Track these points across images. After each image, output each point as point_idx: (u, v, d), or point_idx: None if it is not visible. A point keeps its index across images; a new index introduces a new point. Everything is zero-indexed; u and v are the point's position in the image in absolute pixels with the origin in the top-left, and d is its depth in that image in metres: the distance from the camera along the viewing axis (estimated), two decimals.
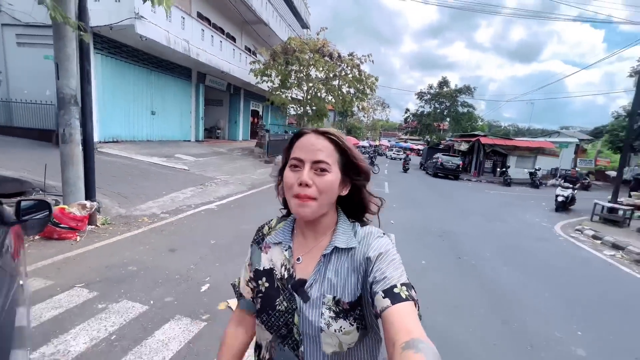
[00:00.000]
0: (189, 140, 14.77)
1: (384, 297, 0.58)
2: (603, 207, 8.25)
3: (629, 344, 2.74)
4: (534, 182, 16.42)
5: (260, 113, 23.05)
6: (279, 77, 15.21)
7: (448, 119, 33.08)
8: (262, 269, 0.76)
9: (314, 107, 16.12)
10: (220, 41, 13.62)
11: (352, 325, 0.65)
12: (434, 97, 31.89)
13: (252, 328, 0.80)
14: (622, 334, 2.90)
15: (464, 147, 19.59)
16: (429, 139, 31.79)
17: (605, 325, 3.04)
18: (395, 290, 0.59)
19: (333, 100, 16.39)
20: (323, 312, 0.66)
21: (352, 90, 16.56)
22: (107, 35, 9.60)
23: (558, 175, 16.59)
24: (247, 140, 20.01)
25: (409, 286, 0.61)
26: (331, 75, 15.58)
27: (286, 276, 0.71)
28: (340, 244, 0.69)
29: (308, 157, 0.66)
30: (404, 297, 0.58)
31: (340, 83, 16.26)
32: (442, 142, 26.54)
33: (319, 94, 16.07)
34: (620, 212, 8.01)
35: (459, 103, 31.72)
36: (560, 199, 9.62)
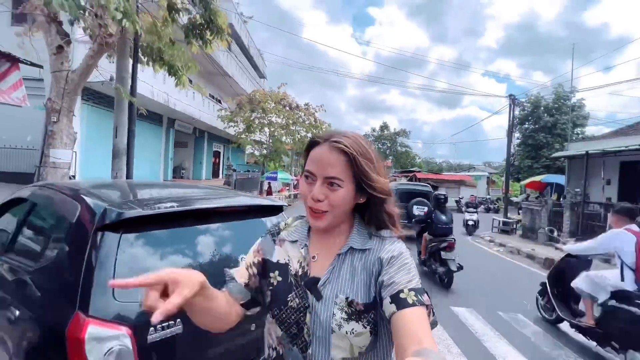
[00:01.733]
0: (159, 181, 15.54)
1: (390, 303, 0.59)
2: (499, 221, 11.35)
3: (483, 287, 4.98)
4: (459, 208, 20.24)
5: (222, 153, 24.39)
6: (244, 123, 17.20)
7: (391, 158, 37.77)
8: (275, 261, 0.76)
9: (275, 150, 18.25)
10: (193, 92, 15.32)
11: (365, 327, 0.64)
12: (377, 139, 36.49)
13: (235, 317, 0.73)
14: (482, 283, 5.20)
15: (403, 181, 23.15)
16: None
17: (476, 279, 5.31)
18: (402, 295, 0.59)
19: (292, 142, 18.75)
20: (335, 312, 0.65)
21: (309, 135, 19.18)
22: (95, 89, 10.74)
23: (461, 202, 20.58)
24: (210, 179, 21.00)
25: (418, 291, 0.60)
26: (290, 122, 18.07)
27: (300, 273, 0.72)
28: (356, 245, 0.70)
29: (320, 172, 0.66)
30: (410, 302, 0.57)
31: (297, 128, 18.82)
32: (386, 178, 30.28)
33: (277, 137, 18.32)
34: (510, 225, 11.16)
35: (398, 144, 36.77)
36: (470, 222, 10.40)
